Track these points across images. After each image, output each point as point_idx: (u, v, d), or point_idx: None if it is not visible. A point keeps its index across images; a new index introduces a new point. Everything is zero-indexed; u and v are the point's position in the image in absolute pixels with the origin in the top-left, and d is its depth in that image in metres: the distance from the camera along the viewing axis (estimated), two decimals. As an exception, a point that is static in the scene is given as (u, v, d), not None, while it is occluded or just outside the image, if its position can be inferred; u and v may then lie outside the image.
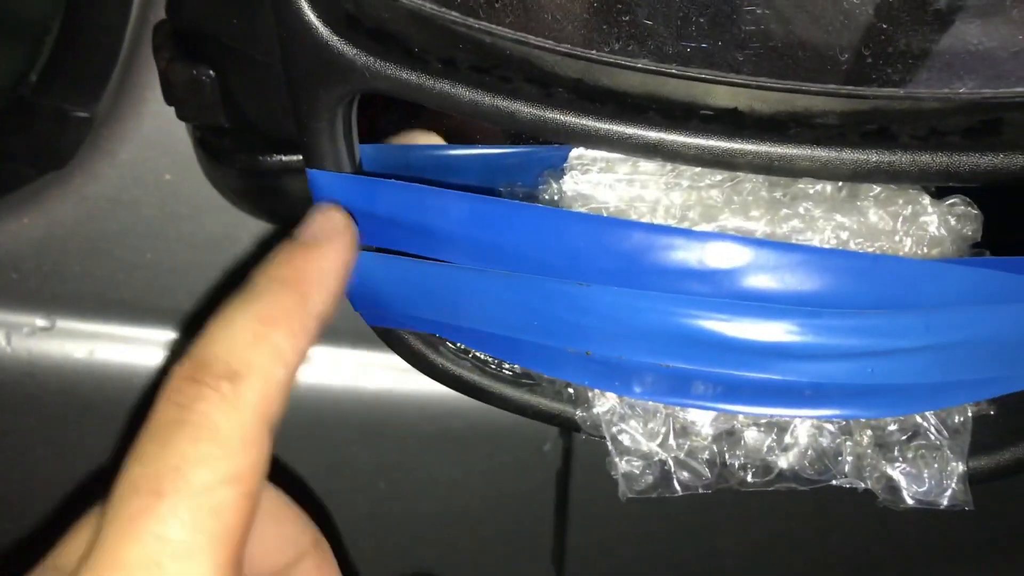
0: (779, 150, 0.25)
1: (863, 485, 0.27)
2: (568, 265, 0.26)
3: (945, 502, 0.26)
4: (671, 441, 0.27)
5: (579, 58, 0.25)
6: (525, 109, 0.25)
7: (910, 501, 0.27)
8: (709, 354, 0.25)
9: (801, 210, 0.26)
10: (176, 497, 0.22)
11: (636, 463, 0.27)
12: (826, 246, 0.26)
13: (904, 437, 0.27)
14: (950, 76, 0.25)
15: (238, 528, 0.23)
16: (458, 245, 0.27)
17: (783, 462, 0.27)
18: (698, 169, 0.27)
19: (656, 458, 0.27)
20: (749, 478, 0.27)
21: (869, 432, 0.27)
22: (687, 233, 0.26)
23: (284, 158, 0.35)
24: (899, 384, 0.25)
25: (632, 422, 0.27)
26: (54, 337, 0.47)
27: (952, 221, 0.27)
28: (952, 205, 0.27)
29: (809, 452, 0.27)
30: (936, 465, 0.27)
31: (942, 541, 0.60)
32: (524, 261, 0.27)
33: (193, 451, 0.23)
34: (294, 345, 0.25)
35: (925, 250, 0.26)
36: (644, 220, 0.27)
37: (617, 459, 0.27)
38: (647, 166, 0.27)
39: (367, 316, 0.30)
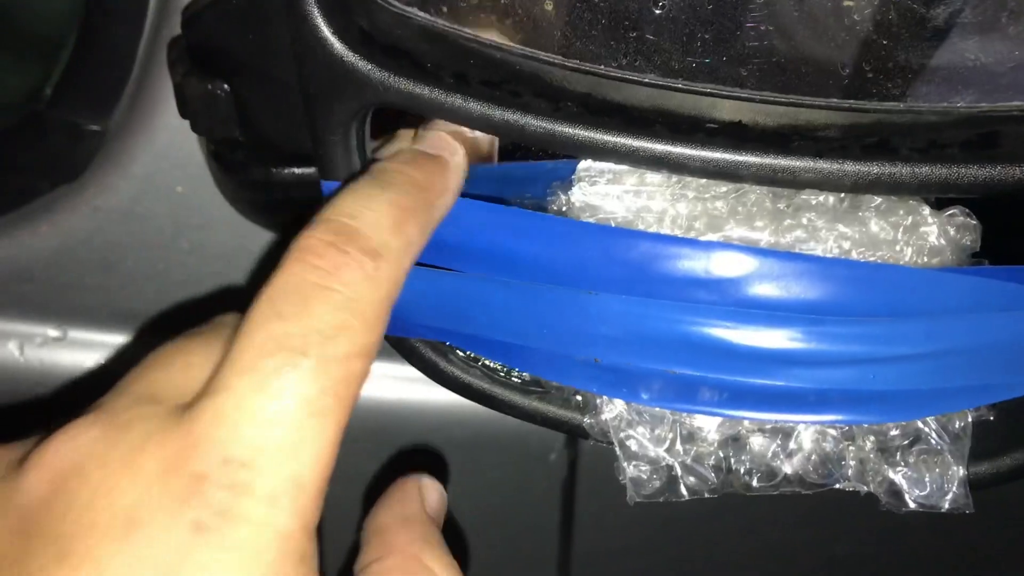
0: (782, 162, 0.25)
1: (866, 489, 0.28)
2: (577, 274, 0.27)
3: (946, 506, 0.27)
4: (678, 446, 0.28)
5: (587, 73, 0.26)
6: (535, 123, 0.26)
7: (912, 505, 0.27)
8: (715, 361, 0.26)
9: (804, 221, 0.27)
10: (320, 362, 0.23)
11: (643, 468, 0.28)
12: (829, 255, 0.27)
13: (906, 442, 0.27)
14: (949, 90, 0.25)
15: (357, 399, 0.24)
16: (469, 254, 0.28)
17: (787, 467, 0.28)
18: (704, 181, 0.28)
19: (663, 463, 0.28)
20: (755, 483, 0.28)
21: (872, 437, 0.28)
22: (693, 243, 0.26)
23: (297, 171, 0.36)
24: (900, 390, 0.26)
25: (640, 428, 0.28)
26: (66, 347, 0.48)
27: (951, 231, 0.27)
28: (951, 216, 0.27)
29: (813, 457, 0.28)
30: (937, 470, 0.27)
31: (948, 547, 0.60)
32: (534, 270, 0.27)
33: (336, 319, 0.23)
34: (420, 243, 0.26)
35: (925, 259, 0.27)
36: (651, 230, 0.28)
37: (625, 464, 0.28)
38: (653, 178, 0.28)
39: (379, 325, 0.31)
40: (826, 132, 0.25)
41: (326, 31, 0.26)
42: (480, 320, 0.29)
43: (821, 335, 0.25)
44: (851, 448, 0.28)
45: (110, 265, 0.46)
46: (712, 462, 0.28)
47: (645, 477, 0.28)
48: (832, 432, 0.28)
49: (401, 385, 0.48)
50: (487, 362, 0.32)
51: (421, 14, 0.26)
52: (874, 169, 0.25)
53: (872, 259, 0.27)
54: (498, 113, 0.26)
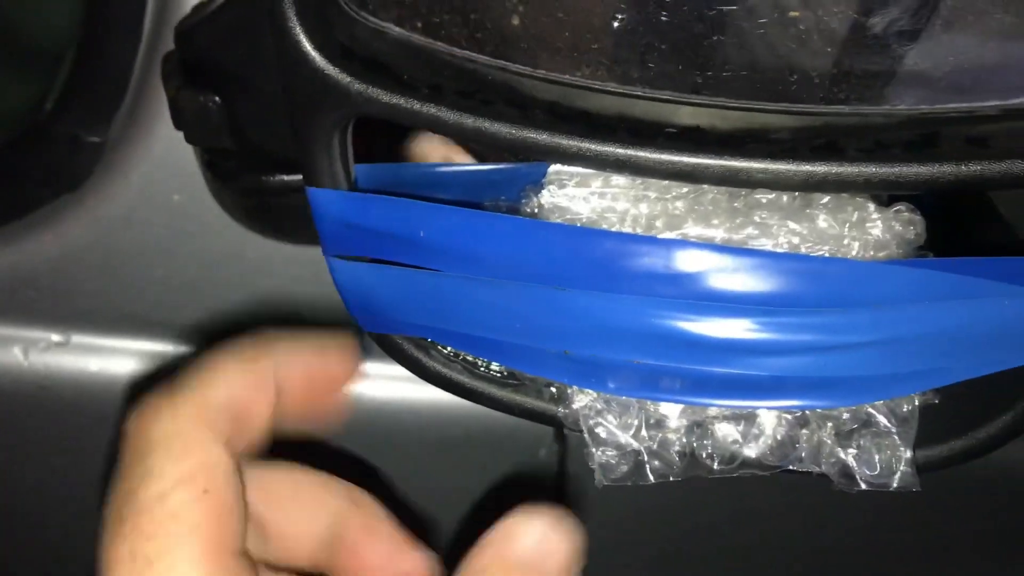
0: (738, 164, 0.27)
1: (818, 469, 0.29)
2: (547, 271, 0.28)
3: (895, 484, 0.28)
4: (643, 433, 0.29)
5: (554, 83, 0.27)
6: (505, 130, 0.27)
7: (862, 484, 0.29)
8: (676, 351, 0.27)
9: (757, 218, 0.28)
10: (133, 516, 0.25)
11: (611, 454, 0.29)
12: (780, 250, 0.28)
13: (856, 425, 0.29)
14: (892, 94, 0.27)
15: (206, 522, 0.25)
16: (446, 254, 0.29)
17: (747, 451, 0.29)
18: (664, 182, 0.29)
19: (630, 449, 0.29)
20: (716, 466, 0.29)
21: (826, 422, 0.29)
22: (653, 241, 0.28)
23: (286, 178, 0.37)
24: (850, 376, 0.27)
25: (608, 416, 0.29)
26: (69, 352, 0.49)
27: (897, 226, 0.29)
28: (897, 212, 0.29)
29: (770, 441, 0.29)
30: (888, 451, 0.29)
31: (937, 542, 0.61)
32: (507, 268, 0.29)
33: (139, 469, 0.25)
34: None
35: (872, 253, 0.28)
36: (615, 229, 0.29)
37: (594, 450, 0.29)
38: (618, 180, 0.29)
39: (364, 323, 0.32)
40: (778, 135, 0.27)
41: (308, 46, 0.28)
42: (459, 316, 0.30)
43: (775, 325, 0.27)
44: (805, 432, 0.29)
45: (111, 271, 0.47)
46: (677, 448, 0.29)
47: (613, 462, 0.29)
48: (788, 417, 0.29)
49: (388, 384, 0.49)
50: (468, 357, 0.33)
51: (398, 29, 0.28)
52: (822, 169, 0.26)
53: (821, 253, 0.28)
54: (471, 121, 0.28)
